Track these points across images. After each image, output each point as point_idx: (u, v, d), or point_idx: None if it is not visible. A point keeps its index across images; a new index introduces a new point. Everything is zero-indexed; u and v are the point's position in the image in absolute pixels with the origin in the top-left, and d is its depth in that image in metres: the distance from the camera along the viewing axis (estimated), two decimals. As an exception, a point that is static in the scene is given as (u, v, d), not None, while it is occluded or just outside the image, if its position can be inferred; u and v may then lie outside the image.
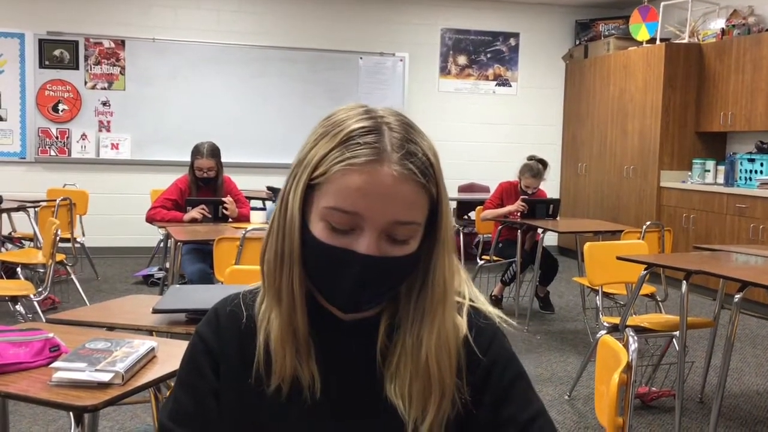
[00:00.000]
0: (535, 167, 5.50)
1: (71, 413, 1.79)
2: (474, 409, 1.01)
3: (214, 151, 4.79)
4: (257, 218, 4.67)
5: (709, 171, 6.77)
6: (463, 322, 1.03)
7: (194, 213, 4.62)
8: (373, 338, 1.01)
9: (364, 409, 1.01)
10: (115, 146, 7.46)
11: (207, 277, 4.33)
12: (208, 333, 1.06)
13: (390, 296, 0.99)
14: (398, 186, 0.92)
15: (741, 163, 6.36)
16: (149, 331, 2.35)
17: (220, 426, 1.03)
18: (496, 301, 5.58)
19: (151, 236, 6.59)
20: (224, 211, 4.66)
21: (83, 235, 6.39)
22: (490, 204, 5.64)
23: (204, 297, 2.49)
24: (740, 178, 6.35)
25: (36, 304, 4.31)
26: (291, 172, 0.98)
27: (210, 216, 4.66)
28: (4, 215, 5.94)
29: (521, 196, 5.48)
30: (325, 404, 1.01)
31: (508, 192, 5.63)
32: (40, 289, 4.27)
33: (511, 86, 8.56)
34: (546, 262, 5.41)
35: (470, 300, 1.05)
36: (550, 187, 7.73)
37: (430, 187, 0.96)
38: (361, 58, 8.03)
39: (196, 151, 4.78)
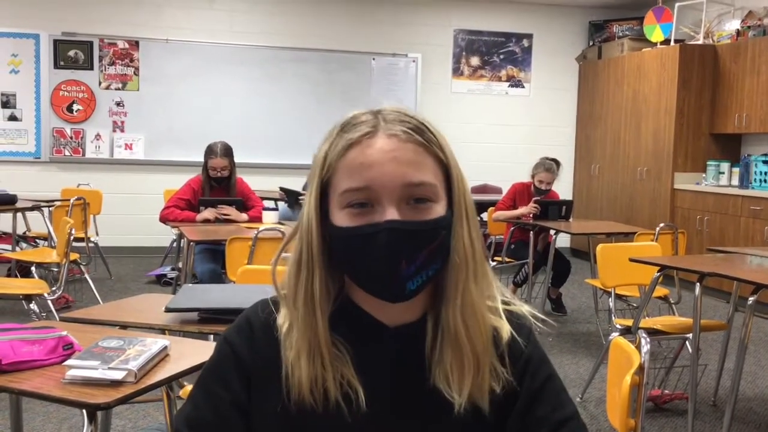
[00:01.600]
0: (548, 163, 5.52)
1: (84, 411, 1.79)
2: (512, 404, 1.01)
3: (228, 151, 4.81)
4: (269, 218, 4.68)
5: (723, 173, 6.72)
6: (505, 323, 1.02)
7: (207, 213, 4.64)
8: (419, 340, 0.99)
9: (416, 407, 0.99)
10: (128, 146, 7.50)
11: (217, 277, 4.35)
12: (239, 342, 1.02)
13: (433, 270, 0.95)
14: (397, 148, 0.93)
15: (756, 165, 6.31)
16: (162, 330, 2.36)
17: None
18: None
19: (164, 236, 6.62)
20: (231, 220, 4.66)
21: (97, 234, 6.42)
22: (503, 205, 5.63)
23: (217, 296, 2.50)
24: (755, 180, 6.30)
25: (50, 302, 4.33)
26: (308, 184, 0.99)
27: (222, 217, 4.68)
28: (19, 215, 5.98)
29: (534, 198, 5.47)
30: (374, 413, 0.97)
31: (520, 193, 5.62)
32: (54, 288, 4.31)
33: (524, 87, 8.53)
34: (558, 264, 5.39)
35: (502, 301, 1.04)
36: (563, 188, 7.70)
37: (432, 148, 0.96)
38: (373, 59, 8.03)
39: (210, 151, 4.80)
